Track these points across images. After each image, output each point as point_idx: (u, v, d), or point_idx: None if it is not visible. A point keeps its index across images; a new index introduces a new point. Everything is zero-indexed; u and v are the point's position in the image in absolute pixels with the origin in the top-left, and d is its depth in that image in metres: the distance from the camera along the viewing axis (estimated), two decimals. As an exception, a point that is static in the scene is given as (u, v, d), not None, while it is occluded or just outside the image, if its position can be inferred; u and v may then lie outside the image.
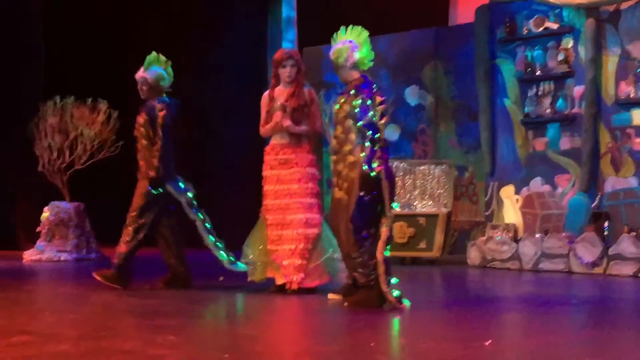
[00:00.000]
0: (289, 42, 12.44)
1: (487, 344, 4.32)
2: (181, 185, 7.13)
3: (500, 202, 9.77)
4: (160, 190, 6.98)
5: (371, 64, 6.12)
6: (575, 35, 9.23)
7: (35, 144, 10.97)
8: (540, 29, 9.47)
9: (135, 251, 7.05)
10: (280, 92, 6.79)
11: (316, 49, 11.58)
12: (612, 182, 8.89)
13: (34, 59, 12.58)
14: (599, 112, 8.95)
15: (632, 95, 8.74)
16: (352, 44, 6.02)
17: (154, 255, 7.47)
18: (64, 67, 13.36)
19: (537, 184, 9.49)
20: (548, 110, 9.39)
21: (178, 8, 13.48)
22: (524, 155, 9.62)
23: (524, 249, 9.13)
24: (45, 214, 10.75)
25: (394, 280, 5.72)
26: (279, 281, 6.66)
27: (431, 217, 9.97)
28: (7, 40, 12.07)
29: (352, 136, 5.87)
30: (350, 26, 6.12)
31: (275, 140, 6.76)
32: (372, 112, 5.78)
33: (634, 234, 8.45)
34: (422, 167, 10.26)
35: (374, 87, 5.91)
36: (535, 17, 9.52)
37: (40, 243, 10.66)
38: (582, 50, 9.12)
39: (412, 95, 11.34)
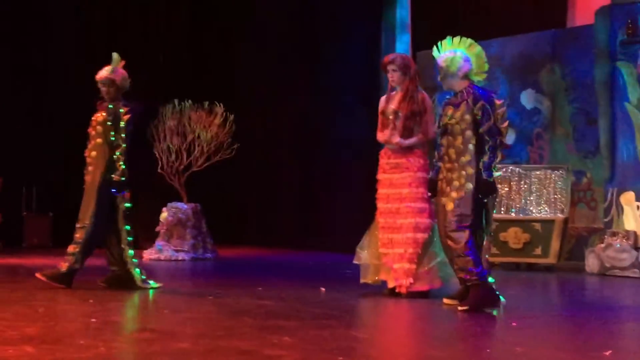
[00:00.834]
0: (403, 46, 12.40)
1: (607, 354, 4.21)
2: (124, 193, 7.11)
3: (620, 209, 9.50)
4: (124, 192, 7.04)
5: (484, 75, 6.11)
6: (698, 36, 8.92)
7: (155, 145, 11.31)
8: (663, 30, 9.19)
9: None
10: (394, 97, 6.83)
11: (429, 52, 11.45)
12: None
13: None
14: None
15: None
16: (463, 54, 6.02)
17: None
18: (183, 71, 13.76)
19: (659, 191, 9.20)
20: (671, 114, 9.11)
21: (296, 8, 13.61)
22: (646, 161, 9.33)
23: (644, 258, 8.87)
24: (164, 214, 11.05)
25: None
26: (390, 284, 6.69)
27: (547, 223, 9.79)
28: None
29: (471, 147, 5.86)
30: (459, 37, 6.12)
31: (388, 145, 6.82)
32: (493, 118, 5.80)
33: None
34: (538, 172, 10.10)
35: (492, 93, 5.95)
36: (657, 18, 9.25)
37: (159, 242, 10.96)
38: None
39: (528, 99, 11.15)
